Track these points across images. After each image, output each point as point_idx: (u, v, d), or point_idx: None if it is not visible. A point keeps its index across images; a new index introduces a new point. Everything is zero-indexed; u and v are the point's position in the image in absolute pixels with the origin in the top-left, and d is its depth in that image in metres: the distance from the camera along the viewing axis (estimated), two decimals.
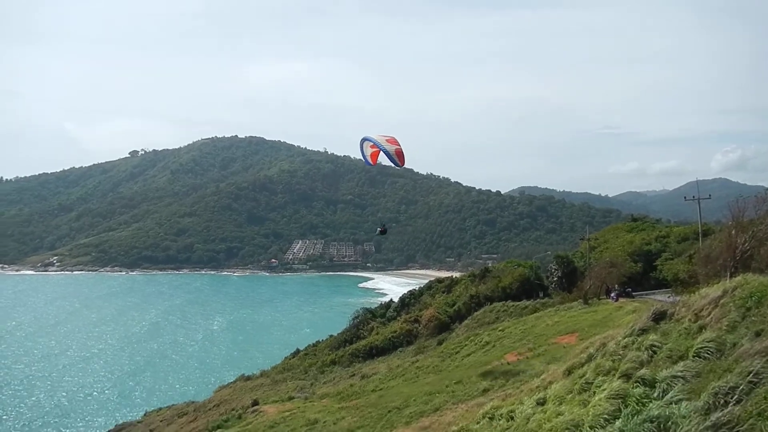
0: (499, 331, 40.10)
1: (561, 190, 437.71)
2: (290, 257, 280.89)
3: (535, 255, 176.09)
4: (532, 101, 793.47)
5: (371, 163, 33.93)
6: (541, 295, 57.66)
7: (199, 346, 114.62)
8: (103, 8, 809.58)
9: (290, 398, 35.42)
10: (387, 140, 31.48)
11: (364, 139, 32.38)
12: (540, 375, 18.44)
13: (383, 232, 42.70)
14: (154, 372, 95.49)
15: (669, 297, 33.02)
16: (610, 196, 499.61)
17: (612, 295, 43.60)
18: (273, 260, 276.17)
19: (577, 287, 49.09)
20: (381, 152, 31.49)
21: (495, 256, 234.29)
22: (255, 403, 36.37)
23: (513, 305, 51.64)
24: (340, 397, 31.90)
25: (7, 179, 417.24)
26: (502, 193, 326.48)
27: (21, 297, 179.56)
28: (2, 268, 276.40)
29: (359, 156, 33.88)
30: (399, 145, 31.26)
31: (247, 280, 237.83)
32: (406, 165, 32.84)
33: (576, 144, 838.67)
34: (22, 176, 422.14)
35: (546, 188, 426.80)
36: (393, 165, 32.39)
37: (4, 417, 72.94)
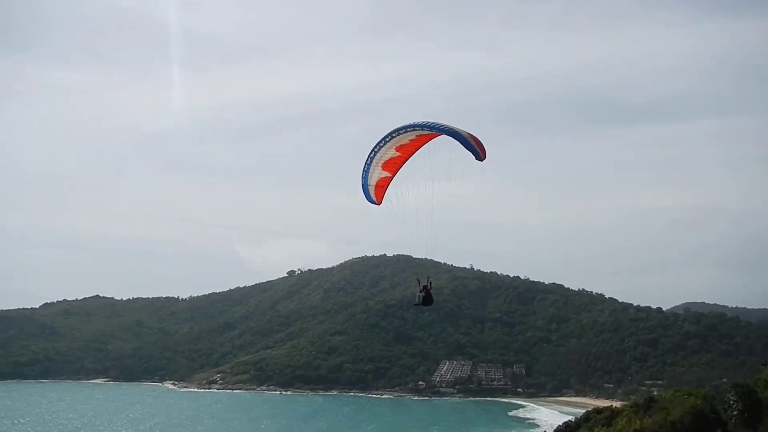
0: None
1: (733, 306, 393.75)
2: (437, 379, 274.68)
3: (708, 382, 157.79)
4: (699, 208, 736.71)
5: (374, 199, 23.00)
6: None
7: None
8: (280, 144, 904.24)
9: None
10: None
11: (390, 135, 22.46)
12: None
13: (426, 299, 30.68)
14: None
15: None
16: None
17: None
18: (421, 383, 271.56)
19: (763, 424, 43.46)
20: (391, 182, 21.86)
21: (660, 382, 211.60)
22: None
23: None
24: None
25: (182, 298, 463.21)
26: (664, 309, 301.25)
27: (221, 416, 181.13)
28: (174, 384, 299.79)
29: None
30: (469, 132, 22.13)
31: (421, 404, 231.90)
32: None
33: (751, 253, 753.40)
34: (195, 296, 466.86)
35: (715, 304, 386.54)
36: (473, 157, 23.60)
37: None
